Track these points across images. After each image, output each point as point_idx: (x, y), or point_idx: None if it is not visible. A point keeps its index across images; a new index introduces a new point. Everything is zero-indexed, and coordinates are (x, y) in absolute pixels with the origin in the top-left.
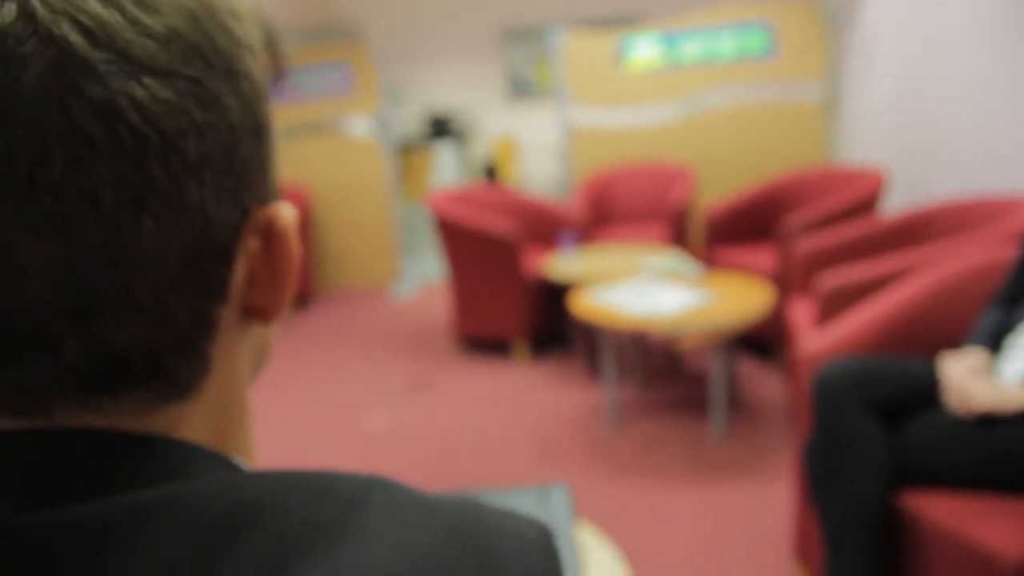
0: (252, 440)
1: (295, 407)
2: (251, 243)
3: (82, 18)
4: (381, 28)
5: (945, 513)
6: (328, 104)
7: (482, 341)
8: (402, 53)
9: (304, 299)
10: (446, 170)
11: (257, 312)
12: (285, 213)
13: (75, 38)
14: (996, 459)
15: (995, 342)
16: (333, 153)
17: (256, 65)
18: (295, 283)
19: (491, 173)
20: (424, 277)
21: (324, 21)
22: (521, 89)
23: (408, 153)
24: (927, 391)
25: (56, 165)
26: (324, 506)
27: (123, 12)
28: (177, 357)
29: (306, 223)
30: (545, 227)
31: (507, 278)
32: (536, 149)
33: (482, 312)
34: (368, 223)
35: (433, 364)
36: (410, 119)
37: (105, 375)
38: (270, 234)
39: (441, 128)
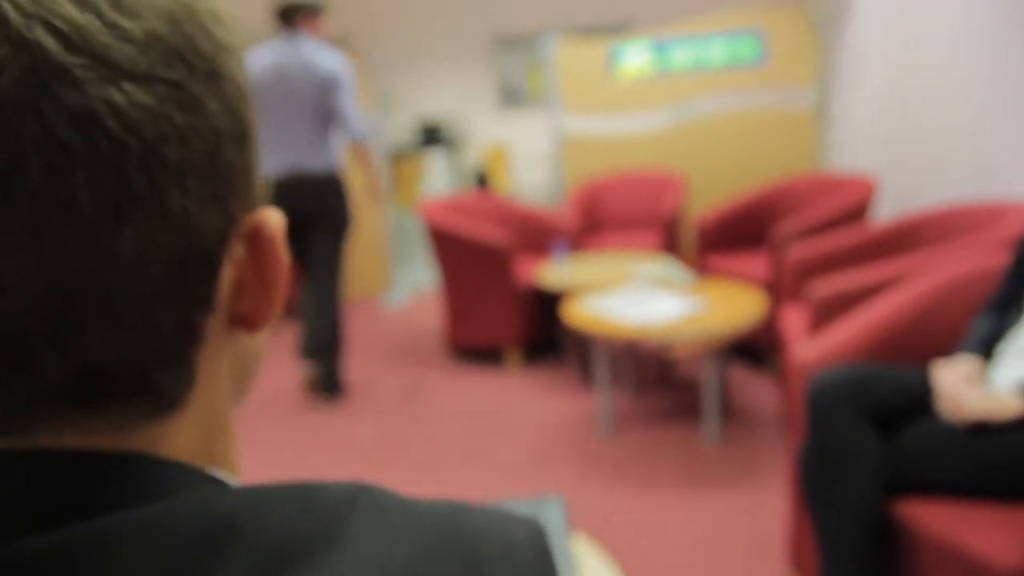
0: (237, 453)
1: (286, 417)
2: (237, 250)
3: (57, 23)
4: (372, 36)
5: (939, 521)
6: None
7: (474, 350)
8: (393, 61)
9: (295, 309)
10: (438, 178)
11: (244, 320)
12: (272, 219)
13: (50, 43)
14: (989, 467)
15: (987, 349)
16: None
17: (239, 69)
18: (283, 290)
19: (483, 181)
20: (416, 285)
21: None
22: (512, 97)
23: (399, 161)
24: (920, 399)
25: (32, 172)
26: (308, 518)
27: (100, 16)
28: (162, 370)
29: None
30: (537, 235)
31: (499, 286)
32: (528, 157)
33: (474, 320)
34: (359, 231)
35: (425, 373)
36: (401, 127)
37: (87, 390)
38: (257, 241)
39: (432, 136)
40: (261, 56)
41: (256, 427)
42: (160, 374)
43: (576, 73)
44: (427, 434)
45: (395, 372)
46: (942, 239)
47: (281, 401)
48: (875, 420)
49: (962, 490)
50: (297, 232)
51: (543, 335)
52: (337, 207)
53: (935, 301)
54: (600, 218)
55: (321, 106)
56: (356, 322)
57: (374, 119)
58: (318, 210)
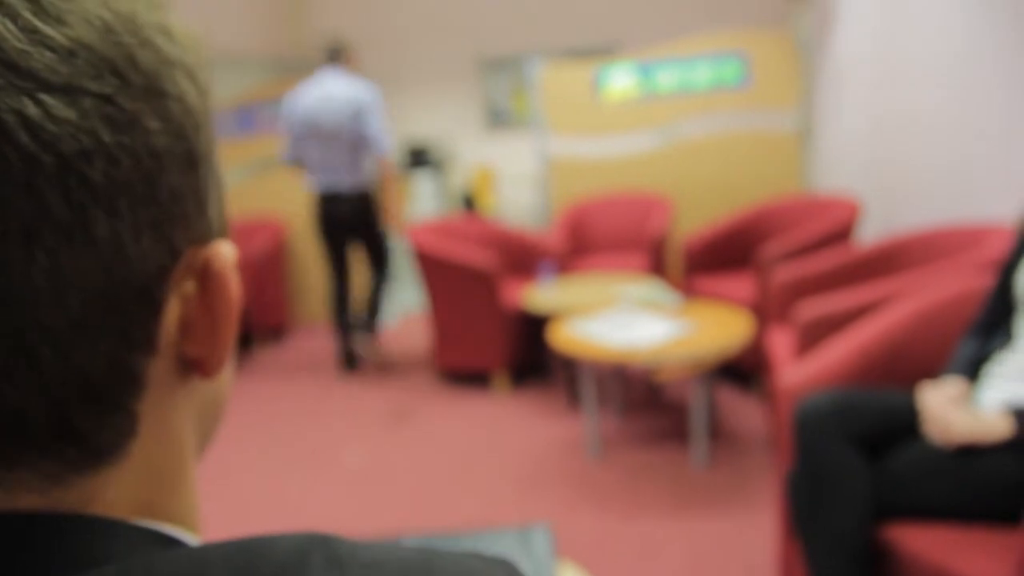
0: (195, 507)
1: (273, 442)
2: (186, 287)
3: None
4: (362, 61)
5: (928, 545)
6: None
7: (462, 373)
8: (379, 83)
9: (280, 331)
10: (424, 200)
11: (195, 364)
12: (223, 251)
13: None
14: (977, 489)
15: (973, 371)
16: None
17: (193, 89)
18: (235, 330)
19: (469, 203)
20: (404, 308)
21: (301, 53)
22: (499, 119)
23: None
24: (907, 422)
25: None
26: None
27: (16, 20)
28: (90, 417)
29: (283, 255)
30: (524, 258)
31: (486, 309)
32: (514, 179)
33: (462, 344)
34: None
35: (413, 396)
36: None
37: (3, 440)
38: (207, 276)
39: (419, 158)
40: (309, 89)
41: (241, 452)
42: (88, 421)
43: (562, 95)
44: (414, 458)
45: (382, 396)
46: (926, 261)
47: (268, 426)
48: (862, 444)
49: (950, 513)
50: (334, 238)
51: (530, 358)
52: (368, 217)
53: (920, 323)
54: (587, 240)
55: (354, 133)
56: None
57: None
58: (350, 221)
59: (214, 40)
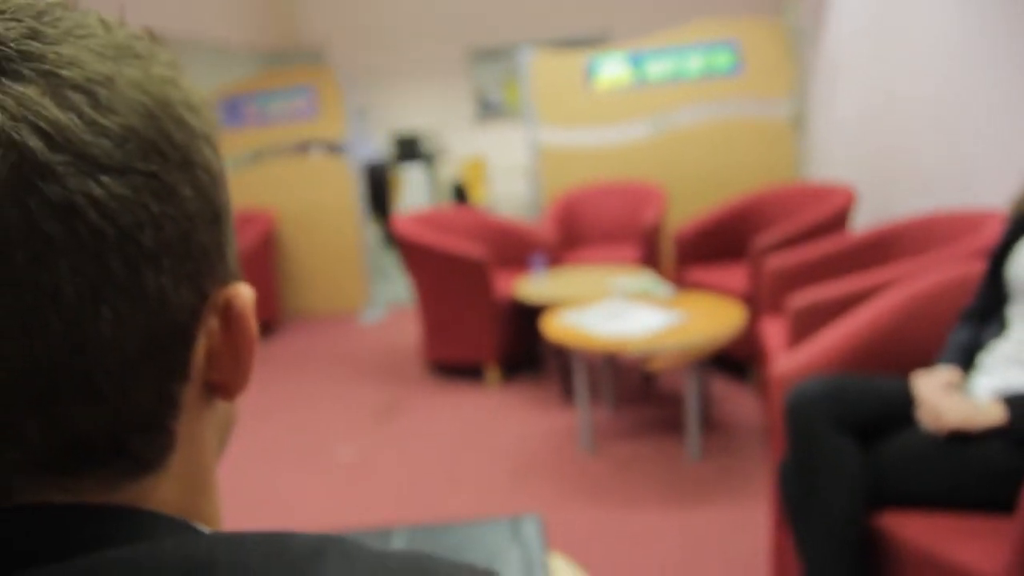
0: (219, 510)
1: (263, 437)
2: (211, 323)
3: (41, 123)
4: (347, 49)
5: (922, 532)
6: (294, 128)
7: (453, 366)
8: (369, 75)
9: (270, 325)
10: (415, 192)
11: (219, 388)
12: (244, 293)
13: (35, 143)
14: (970, 476)
15: (966, 359)
16: (300, 176)
17: (212, 153)
18: (253, 359)
19: (460, 194)
20: (394, 301)
21: (289, 45)
22: (490, 109)
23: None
24: (901, 409)
25: (17, 262)
26: (281, 562)
27: (80, 115)
28: (141, 437)
29: (273, 247)
30: (515, 249)
31: (477, 301)
32: (505, 170)
33: (453, 337)
34: (336, 246)
35: (404, 390)
36: (378, 141)
37: (67, 458)
38: (228, 314)
39: (409, 150)
40: None
41: (232, 447)
42: (138, 440)
43: (553, 85)
44: (405, 452)
45: (373, 390)
46: (920, 249)
47: (259, 420)
48: (855, 431)
49: (942, 500)
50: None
51: (523, 350)
52: None
53: (914, 311)
54: (579, 231)
55: None
56: (333, 339)
57: (350, 133)
58: None
59: (203, 31)
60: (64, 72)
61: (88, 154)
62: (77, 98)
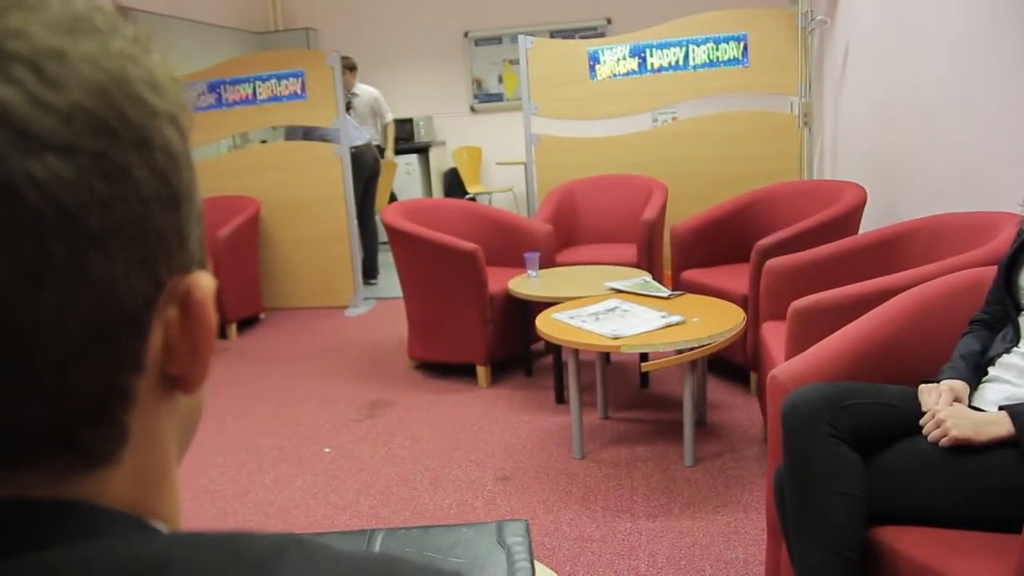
0: (178, 506)
1: (245, 432)
2: (168, 312)
3: None
4: (342, 36)
5: (922, 547)
6: (284, 113)
7: (443, 364)
8: (363, 62)
9: (253, 317)
10: (409, 181)
11: (178, 381)
12: (203, 283)
13: None
14: (973, 490)
15: (974, 369)
16: (288, 163)
17: (176, 134)
18: (213, 351)
19: (455, 185)
20: (383, 294)
21: (279, 25)
22: (486, 99)
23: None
24: (903, 419)
25: None
26: (237, 563)
27: (24, 90)
28: (89, 430)
29: (256, 235)
30: (510, 242)
31: (469, 296)
32: (501, 160)
33: (442, 334)
34: (324, 236)
35: (391, 388)
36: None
37: (7, 450)
38: (188, 303)
39: (403, 139)
40: None
41: (213, 444)
42: (86, 433)
43: (553, 75)
44: (392, 452)
45: (360, 386)
46: (930, 253)
47: (242, 416)
48: (855, 440)
49: (945, 515)
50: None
51: (514, 350)
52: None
53: (921, 317)
54: (576, 225)
55: None
56: (319, 332)
57: (343, 121)
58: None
59: (187, 11)
60: (9, 44)
61: (30, 131)
62: (21, 72)
